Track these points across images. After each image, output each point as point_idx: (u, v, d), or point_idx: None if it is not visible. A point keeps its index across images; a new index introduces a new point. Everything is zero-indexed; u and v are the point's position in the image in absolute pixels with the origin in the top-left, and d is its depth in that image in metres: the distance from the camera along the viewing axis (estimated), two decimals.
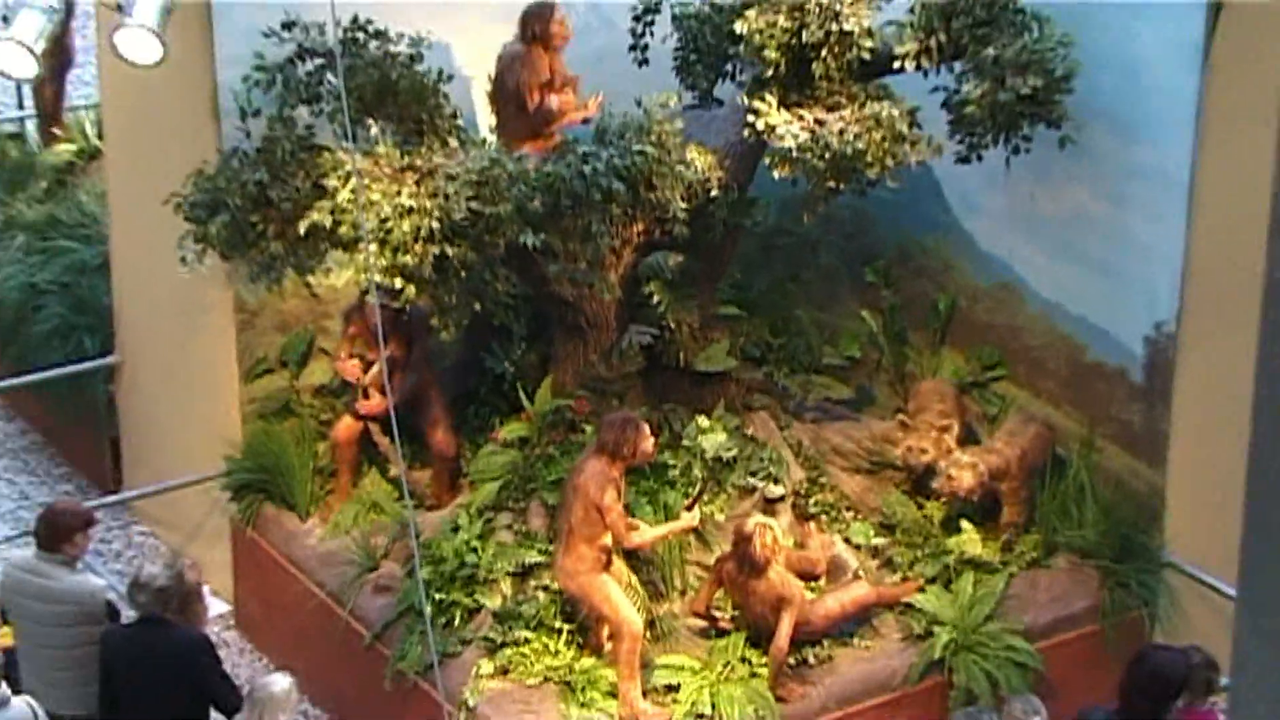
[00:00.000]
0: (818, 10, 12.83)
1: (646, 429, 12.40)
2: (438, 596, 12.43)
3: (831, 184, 12.86)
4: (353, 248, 12.30)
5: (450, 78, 13.43)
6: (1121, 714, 10.91)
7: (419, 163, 12.59)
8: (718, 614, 12.69)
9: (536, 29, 13.74)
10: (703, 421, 13.32)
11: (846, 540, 13.03)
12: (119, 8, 13.01)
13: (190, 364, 14.56)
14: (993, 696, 12.13)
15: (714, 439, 13.20)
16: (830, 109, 12.85)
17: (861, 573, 12.92)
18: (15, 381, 15.96)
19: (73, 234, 16.58)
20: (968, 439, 13.59)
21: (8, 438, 16.44)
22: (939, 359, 14.26)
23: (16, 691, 12.58)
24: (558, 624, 12.57)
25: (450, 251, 12.27)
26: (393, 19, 13.10)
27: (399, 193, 12.30)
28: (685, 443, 13.16)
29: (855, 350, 14.43)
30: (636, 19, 13.53)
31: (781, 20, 12.90)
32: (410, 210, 12.22)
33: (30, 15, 13.15)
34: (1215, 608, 12.08)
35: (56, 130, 18.27)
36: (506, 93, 13.80)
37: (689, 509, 12.72)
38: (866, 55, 12.97)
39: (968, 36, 12.84)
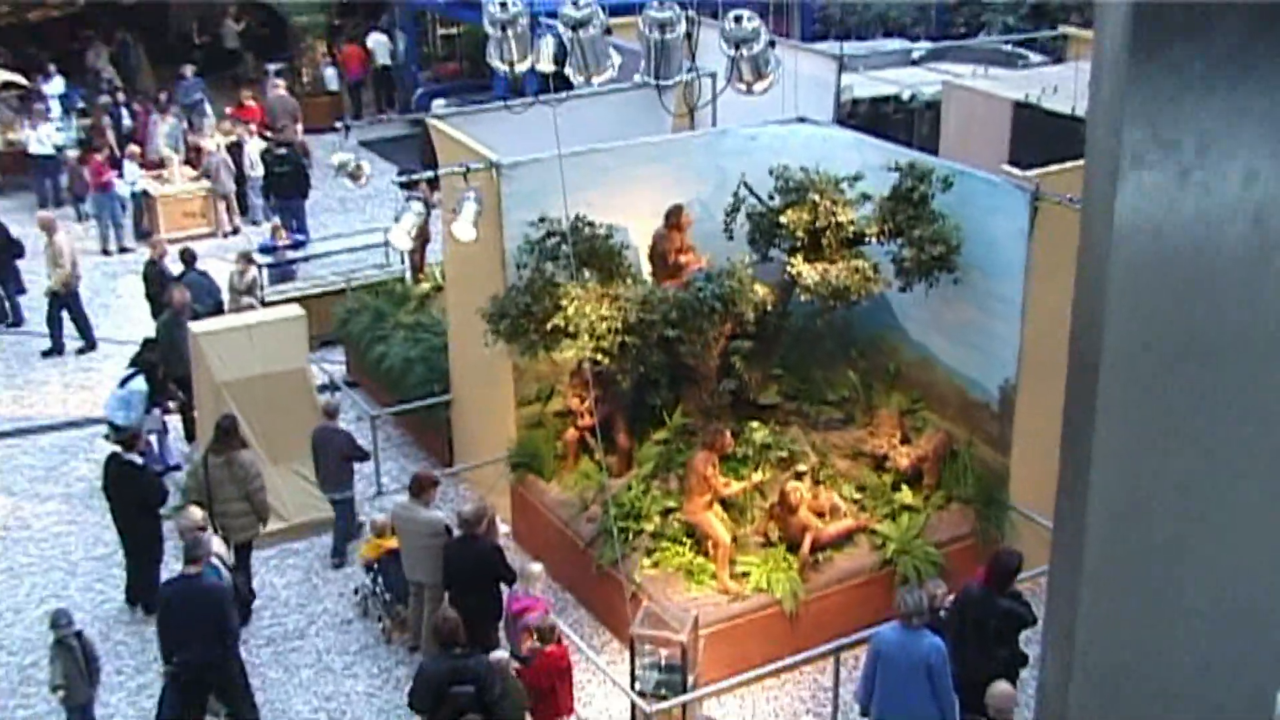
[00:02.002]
0: (824, 211, 12.83)
1: (728, 433, 12.43)
2: (619, 524, 12.39)
3: (832, 304, 12.82)
4: (575, 337, 12.35)
5: (627, 247, 13.50)
6: (986, 586, 10.78)
7: (611, 292, 12.63)
8: (770, 535, 12.64)
9: (673, 220, 13.74)
10: (754, 424, 13.24)
11: (840, 495, 12.93)
12: (454, 211, 13.14)
13: (489, 399, 14.62)
14: (918, 580, 12.00)
15: (759, 434, 13.13)
16: (831, 263, 12.81)
17: (847, 513, 12.84)
18: (400, 409, 16.11)
19: (429, 330, 16.72)
20: (905, 440, 13.47)
21: (395, 438, 16.56)
22: (890, 397, 14.13)
23: (400, 577, 12.74)
24: (684, 539, 12.52)
25: (627, 340, 12.32)
26: (596, 214, 13.16)
27: (600, 308, 12.36)
28: (747, 437, 13.09)
29: (845, 393, 14.33)
30: (727, 214, 13.49)
31: (805, 215, 12.90)
32: (605, 317, 12.28)
33: (409, 216, 13.35)
34: (1037, 532, 11.89)
35: (421, 276, 18.42)
36: (657, 255, 13.81)
37: (753, 473, 12.77)
38: (850, 234, 12.95)
39: (904, 224, 12.79)
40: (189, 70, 28.35)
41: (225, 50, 34.20)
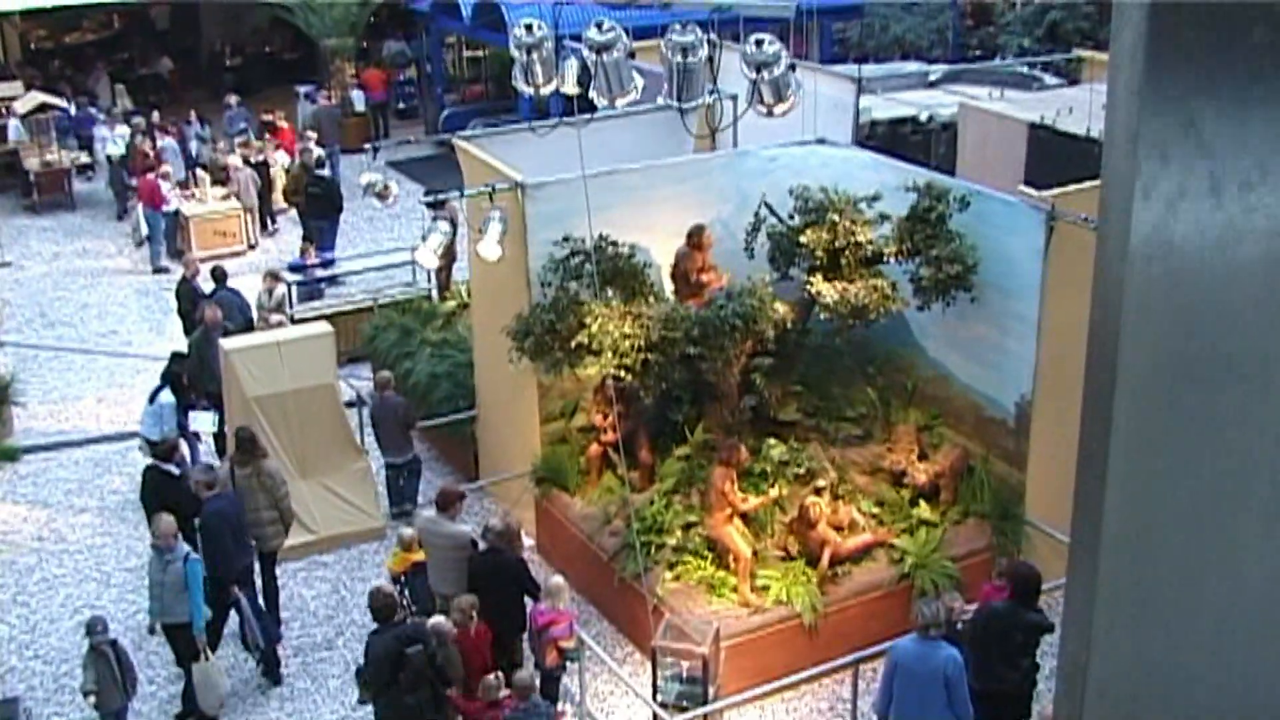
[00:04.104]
0: (843, 230, 12.84)
1: (743, 449, 12.43)
2: (642, 538, 12.40)
3: (851, 322, 12.82)
4: (599, 354, 12.37)
5: (650, 266, 13.51)
6: (1012, 601, 10.73)
7: (634, 310, 12.65)
8: (790, 549, 12.62)
9: (694, 239, 13.76)
10: (771, 441, 13.24)
11: (859, 510, 12.91)
12: (480, 230, 13.18)
13: (514, 415, 14.65)
14: (935, 593, 11.97)
15: (777, 451, 13.12)
16: (850, 282, 12.81)
17: (865, 527, 12.81)
18: (427, 423, 16.06)
19: (455, 347, 16.73)
20: (923, 456, 13.44)
21: (422, 453, 16.46)
22: (908, 414, 14.10)
23: (427, 589, 12.76)
24: (705, 553, 12.51)
25: (650, 357, 12.34)
26: (620, 234, 13.19)
27: (623, 326, 12.37)
28: (765, 454, 13.08)
29: (863, 409, 14.28)
30: (747, 234, 13.52)
31: (824, 235, 12.91)
32: (628, 335, 12.30)
33: (435, 235, 13.38)
34: (1054, 546, 11.85)
35: (447, 294, 18.47)
36: (679, 274, 13.83)
37: (771, 488, 12.75)
38: (869, 254, 12.95)
39: (922, 244, 12.79)
40: (234, 100, 28.56)
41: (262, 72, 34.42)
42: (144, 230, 23.96)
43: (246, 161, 25.16)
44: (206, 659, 12.11)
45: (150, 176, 24.01)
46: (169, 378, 15.90)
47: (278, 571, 13.61)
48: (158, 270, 23.48)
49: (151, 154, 25.69)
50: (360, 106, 30.62)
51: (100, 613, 13.13)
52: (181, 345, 17.25)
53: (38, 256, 24.60)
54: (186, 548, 12.16)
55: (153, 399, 15.72)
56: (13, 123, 27.78)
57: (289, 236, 24.41)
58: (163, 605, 12.12)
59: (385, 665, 10.80)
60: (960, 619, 11.01)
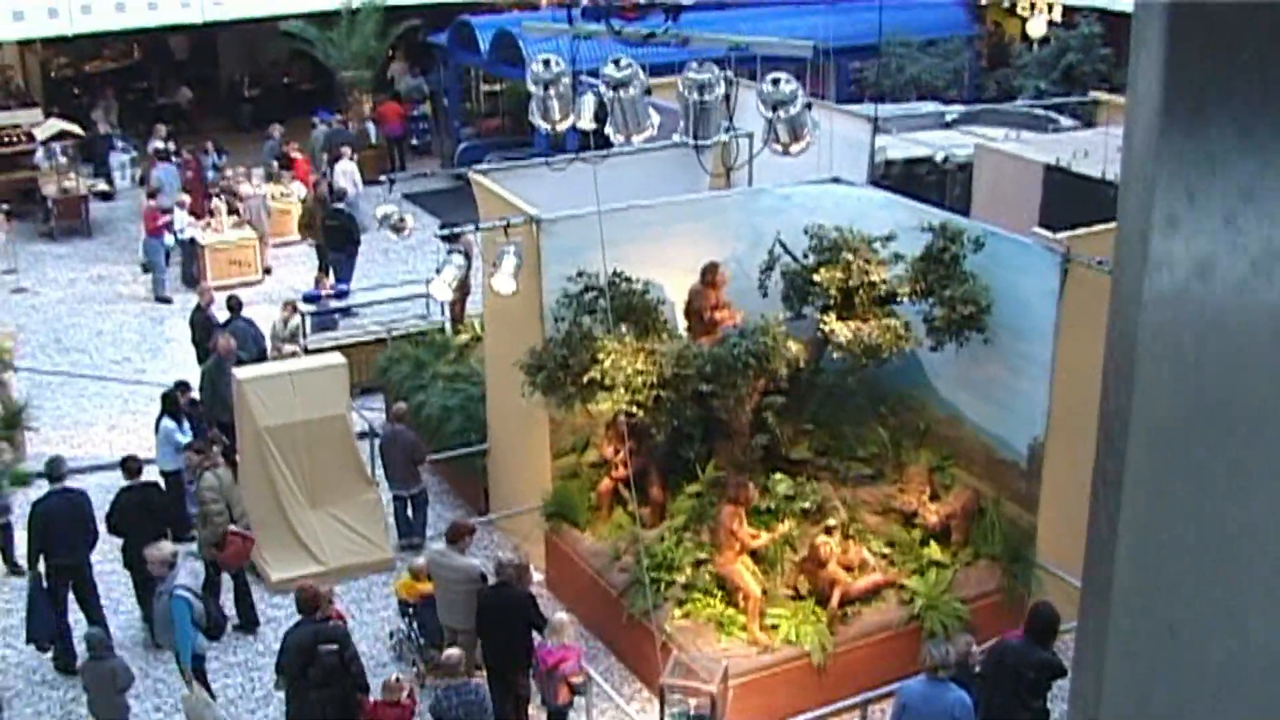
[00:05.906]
0: (858, 270, 12.85)
1: (750, 486, 12.42)
2: (652, 575, 12.36)
3: (864, 361, 12.83)
4: (611, 390, 12.37)
5: (663, 302, 13.53)
6: (1029, 640, 10.65)
7: (647, 346, 12.66)
8: (799, 588, 12.57)
9: (708, 276, 13.78)
10: (777, 476, 13.22)
11: (869, 549, 12.86)
12: (494, 264, 13.20)
13: (525, 449, 14.65)
14: (945, 635, 11.91)
15: (783, 485, 13.09)
16: (864, 321, 12.82)
17: (876, 567, 12.76)
18: (438, 456, 16.05)
19: (468, 380, 16.75)
20: (934, 497, 13.40)
21: (432, 486, 16.46)
22: (919, 454, 14.05)
23: (436, 622, 12.74)
24: (715, 591, 12.48)
25: (662, 394, 12.34)
26: (633, 270, 13.21)
27: (636, 362, 12.38)
28: (771, 489, 13.06)
29: (875, 449, 14.24)
30: (761, 273, 13.54)
31: (838, 274, 12.92)
32: (641, 371, 12.30)
33: (450, 268, 13.42)
34: (1065, 590, 11.79)
35: (460, 326, 18.50)
36: (692, 311, 13.85)
37: (780, 524, 12.72)
38: (883, 293, 12.96)
39: (935, 284, 12.80)
40: (277, 130, 28.59)
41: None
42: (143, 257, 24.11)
43: (271, 187, 25.33)
44: (191, 691, 12.04)
45: (150, 204, 24.05)
46: (165, 402, 15.87)
47: (283, 599, 13.70)
48: (160, 299, 23.57)
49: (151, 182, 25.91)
50: (374, 139, 30.73)
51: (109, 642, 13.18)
52: (186, 373, 17.28)
53: (53, 282, 24.70)
54: (178, 581, 12.11)
55: (158, 427, 15.78)
56: (42, 150, 27.84)
57: (300, 267, 24.47)
58: (157, 632, 12.23)
59: (296, 657, 11.20)
60: (977, 663, 10.96)
